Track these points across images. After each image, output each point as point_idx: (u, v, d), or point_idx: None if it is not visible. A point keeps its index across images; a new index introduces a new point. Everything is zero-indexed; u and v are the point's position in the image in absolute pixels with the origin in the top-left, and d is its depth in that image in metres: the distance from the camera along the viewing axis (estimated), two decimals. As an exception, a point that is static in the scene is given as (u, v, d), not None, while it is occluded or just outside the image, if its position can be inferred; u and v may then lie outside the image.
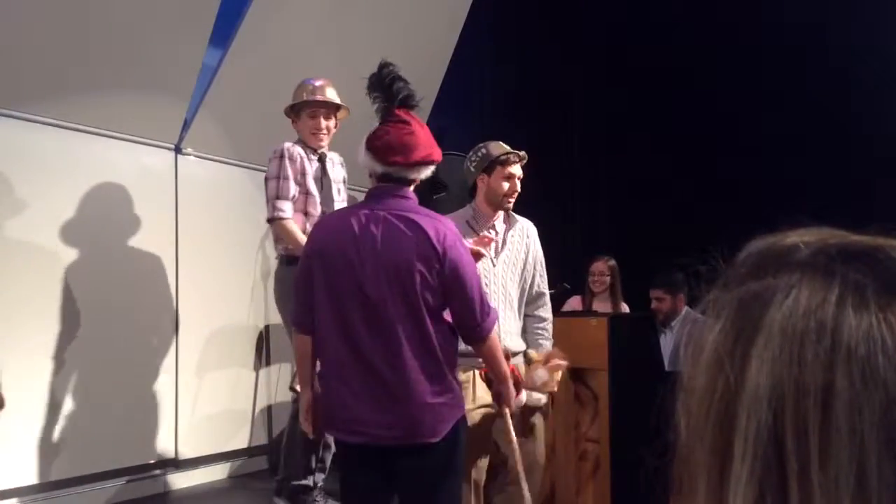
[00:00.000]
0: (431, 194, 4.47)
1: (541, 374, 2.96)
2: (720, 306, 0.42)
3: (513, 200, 3.17)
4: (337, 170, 3.93)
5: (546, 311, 3.31)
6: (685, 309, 4.65)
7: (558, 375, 3.00)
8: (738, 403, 0.38)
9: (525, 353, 3.18)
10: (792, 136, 4.85)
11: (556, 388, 3.07)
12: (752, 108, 5.09)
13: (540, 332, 3.27)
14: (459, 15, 6.06)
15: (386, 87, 2.52)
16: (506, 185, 3.12)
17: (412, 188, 2.57)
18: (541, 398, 3.06)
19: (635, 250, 5.05)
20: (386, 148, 2.48)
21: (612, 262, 4.75)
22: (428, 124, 6.57)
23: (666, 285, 4.63)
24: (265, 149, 4.71)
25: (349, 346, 2.43)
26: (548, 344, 3.23)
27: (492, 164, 3.15)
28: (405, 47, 5.54)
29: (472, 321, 2.49)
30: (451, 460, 2.53)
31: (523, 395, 2.81)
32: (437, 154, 2.56)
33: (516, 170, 3.15)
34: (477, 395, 3.08)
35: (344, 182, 3.99)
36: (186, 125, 4.79)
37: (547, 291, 3.33)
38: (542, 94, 6.29)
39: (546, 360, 2.98)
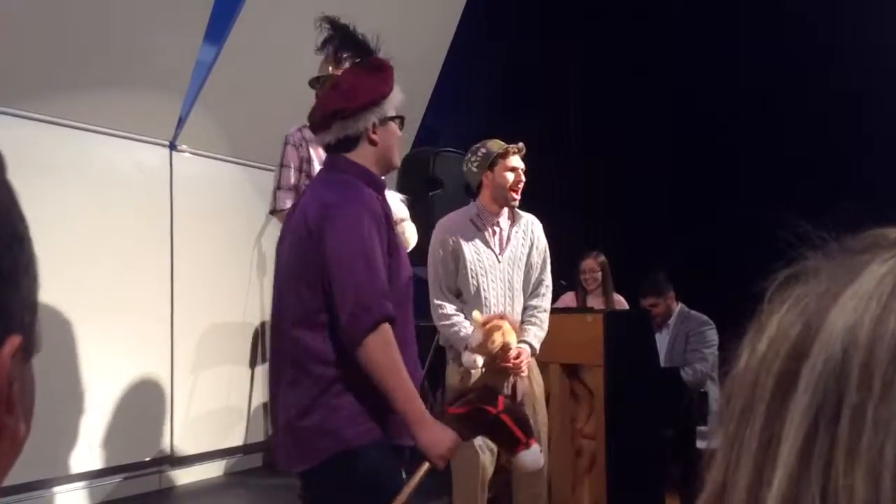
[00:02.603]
0: (427, 191, 4.47)
1: (476, 335, 2.79)
2: (817, 269, 0.42)
3: (518, 195, 3.21)
4: None
5: (539, 300, 3.32)
6: (679, 306, 4.66)
7: (499, 337, 2.62)
8: (813, 342, 0.39)
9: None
10: (792, 136, 4.86)
11: (494, 351, 2.63)
12: (751, 108, 5.10)
13: (529, 316, 3.24)
14: (455, 11, 6.05)
15: (353, 41, 2.21)
16: (510, 176, 3.18)
17: (356, 150, 2.13)
18: (475, 360, 2.92)
19: (633, 245, 5.07)
20: (311, 115, 2.21)
21: (602, 258, 4.74)
22: (423, 122, 6.53)
23: (654, 291, 4.64)
24: (260, 145, 4.69)
25: (271, 353, 2.24)
26: (535, 330, 3.20)
27: (495, 160, 3.21)
28: (400, 44, 5.53)
29: (342, 316, 1.93)
30: (329, 498, 2.08)
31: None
32: (352, 101, 2.10)
33: (517, 161, 3.21)
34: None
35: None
36: (181, 122, 4.78)
37: (547, 281, 3.35)
38: (539, 91, 6.29)
39: (485, 322, 2.70)
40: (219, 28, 4.71)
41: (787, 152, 4.90)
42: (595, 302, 4.68)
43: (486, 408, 2.02)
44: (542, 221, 3.40)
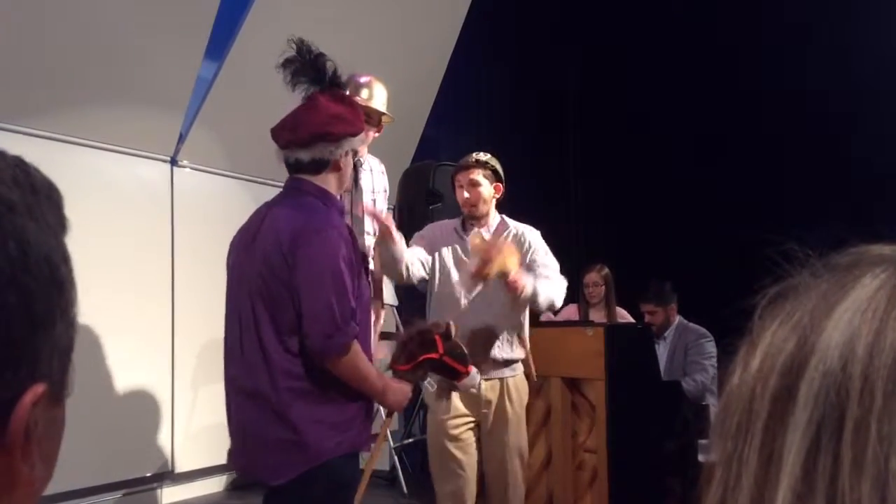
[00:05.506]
0: (427, 204, 4.47)
1: (473, 261, 2.82)
2: (805, 287, 0.43)
3: (476, 208, 3.13)
4: (377, 179, 3.63)
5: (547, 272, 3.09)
6: (678, 319, 4.65)
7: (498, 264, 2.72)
8: (809, 357, 0.39)
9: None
10: (793, 142, 4.85)
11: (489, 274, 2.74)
12: (752, 112, 5.10)
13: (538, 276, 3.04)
14: (456, 24, 6.08)
15: (312, 67, 2.29)
16: (459, 193, 3.16)
17: (322, 175, 2.26)
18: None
19: (635, 256, 5.06)
20: (279, 129, 2.28)
21: (606, 271, 4.73)
22: (423, 134, 6.52)
23: (656, 298, 4.62)
24: (260, 160, 4.69)
25: (230, 363, 2.29)
26: (543, 280, 3.01)
27: (452, 177, 3.23)
28: (401, 59, 5.56)
29: (314, 337, 2.09)
30: None
31: (473, 378, 2.60)
32: (339, 127, 2.22)
33: (466, 177, 3.13)
34: (452, 405, 3.03)
35: (385, 192, 3.72)
36: (182, 137, 4.79)
37: (552, 276, 3.10)
38: (539, 104, 6.31)
39: (486, 248, 2.77)
40: (219, 44, 4.73)
41: (788, 161, 4.90)
42: (597, 315, 4.67)
43: (429, 356, 2.35)
44: (543, 233, 3.36)
